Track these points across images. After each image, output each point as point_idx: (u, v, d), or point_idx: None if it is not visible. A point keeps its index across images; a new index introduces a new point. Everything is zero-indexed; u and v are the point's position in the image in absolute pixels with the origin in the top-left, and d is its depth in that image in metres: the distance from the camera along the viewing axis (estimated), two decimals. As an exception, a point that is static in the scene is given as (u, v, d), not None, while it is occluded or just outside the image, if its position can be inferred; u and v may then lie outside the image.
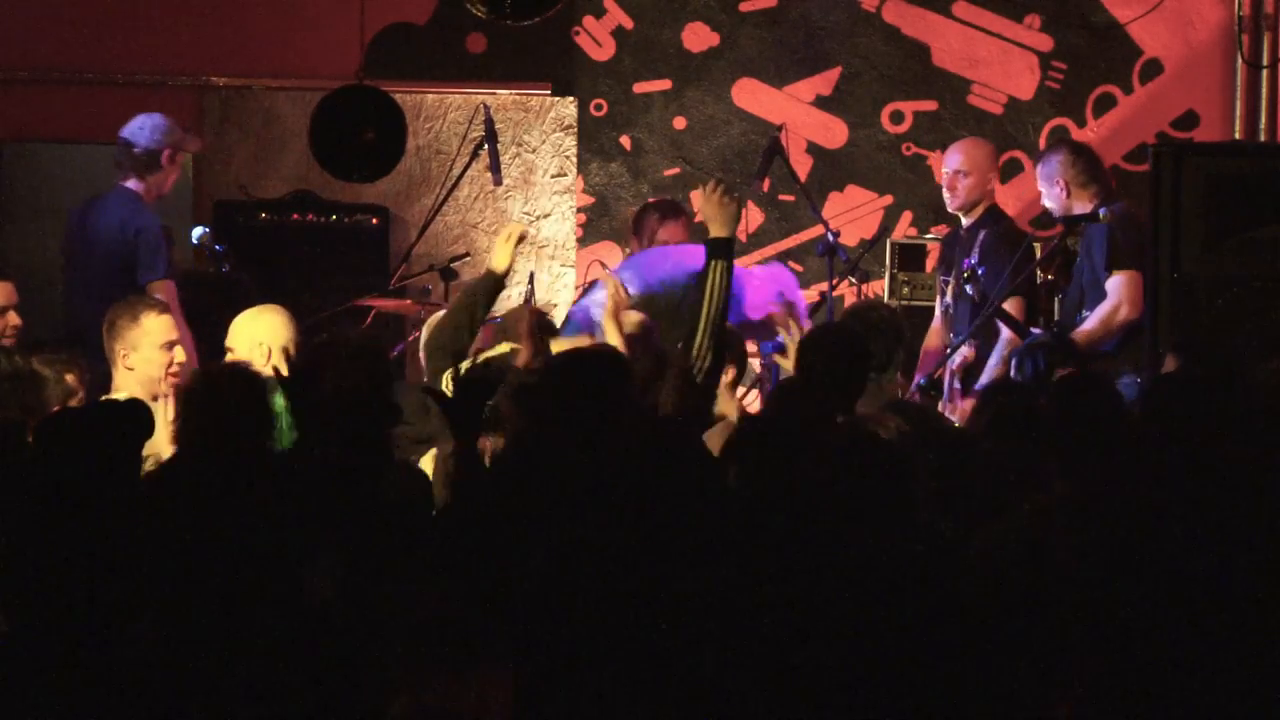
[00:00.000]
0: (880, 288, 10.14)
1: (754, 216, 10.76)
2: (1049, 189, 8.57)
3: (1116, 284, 8.26)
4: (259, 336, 6.96)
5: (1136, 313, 8.16)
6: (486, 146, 9.24)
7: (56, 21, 10.51)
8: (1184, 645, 4.40)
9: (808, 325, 7.84)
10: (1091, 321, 8.28)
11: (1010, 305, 8.43)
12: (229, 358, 7.02)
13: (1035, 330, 8.31)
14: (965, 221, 8.93)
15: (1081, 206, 8.47)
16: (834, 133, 10.76)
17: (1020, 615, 4.38)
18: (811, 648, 4.09)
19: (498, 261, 7.14)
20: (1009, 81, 10.72)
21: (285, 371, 5.92)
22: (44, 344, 7.34)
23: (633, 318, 7.74)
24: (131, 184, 8.62)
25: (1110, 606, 4.45)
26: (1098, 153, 8.80)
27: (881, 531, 4.44)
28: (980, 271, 8.52)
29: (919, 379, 7.77)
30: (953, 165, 8.93)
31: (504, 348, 6.99)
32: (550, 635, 3.96)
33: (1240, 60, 10.44)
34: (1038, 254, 8.91)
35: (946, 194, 8.97)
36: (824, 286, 9.25)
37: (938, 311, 9.11)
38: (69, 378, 6.58)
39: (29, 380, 6.41)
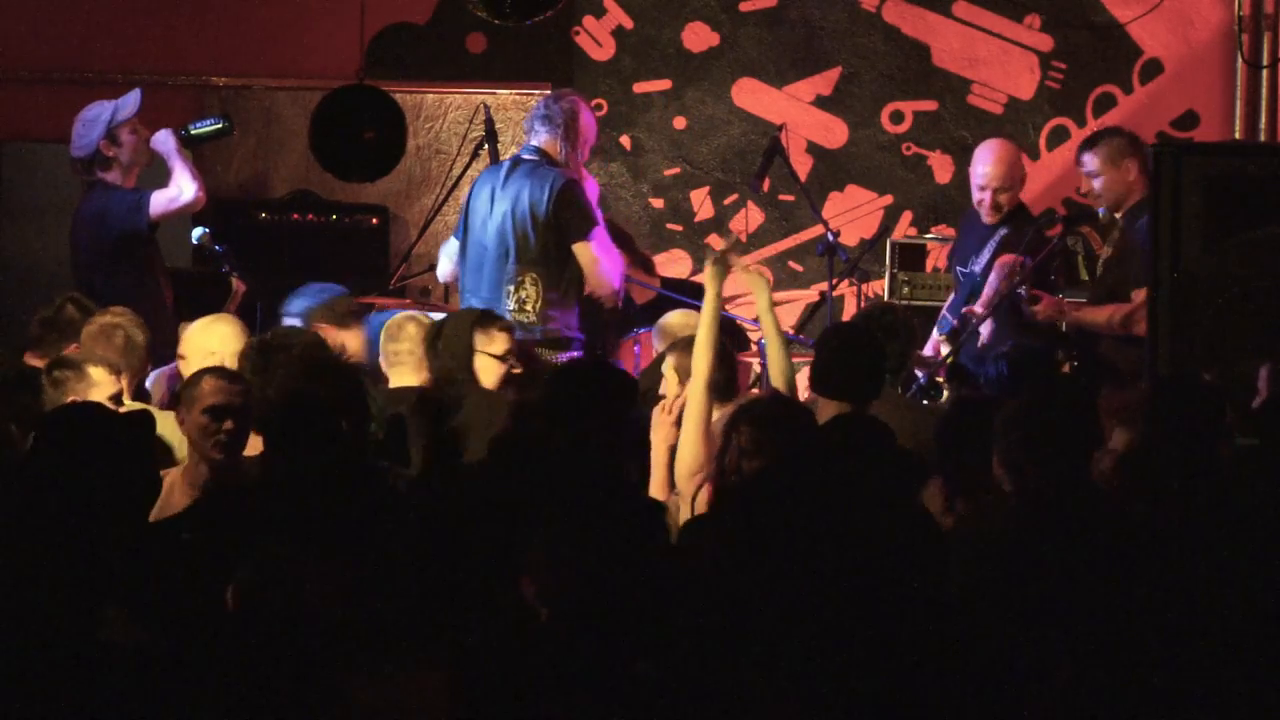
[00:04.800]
0: (880, 288, 10.14)
1: (754, 216, 10.76)
2: (1113, 171, 8.48)
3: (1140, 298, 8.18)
4: (211, 346, 7.01)
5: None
6: (486, 146, 9.24)
7: (56, 21, 10.51)
8: (1173, 646, 4.40)
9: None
10: (1105, 312, 8.28)
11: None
12: (180, 365, 7.07)
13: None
14: (987, 217, 8.86)
15: (1134, 199, 8.43)
16: (834, 133, 10.76)
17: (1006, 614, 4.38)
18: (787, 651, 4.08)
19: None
20: (1009, 81, 10.72)
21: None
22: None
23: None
24: (100, 177, 8.72)
25: (1094, 607, 4.46)
26: None
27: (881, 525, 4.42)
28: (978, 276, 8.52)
29: (920, 379, 7.76)
30: (995, 182, 8.70)
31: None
32: (489, 638, 3.95)
33: (1240, 60, 10.45)
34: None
35: (986, 209, 8.73)
36: (824, 286, 9.26)
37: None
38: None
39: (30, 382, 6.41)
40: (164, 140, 8.81)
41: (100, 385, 6.40)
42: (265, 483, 5.44)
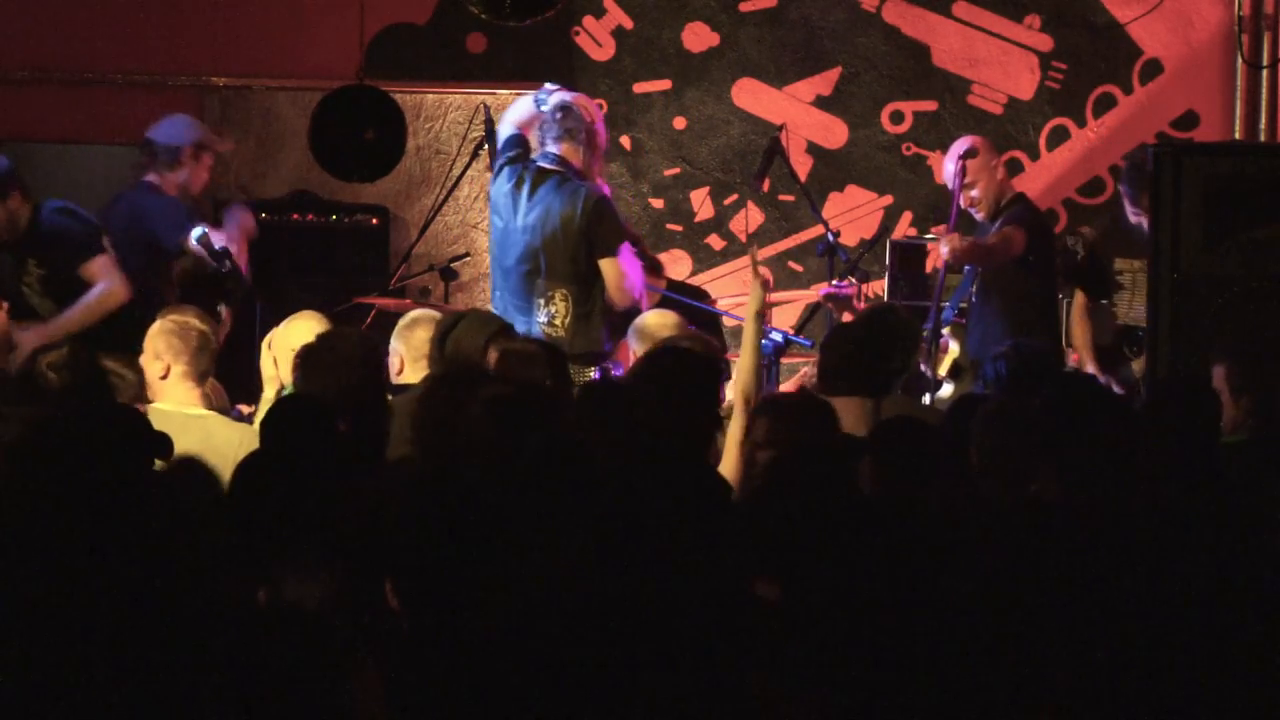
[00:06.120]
0: (880, 288, 10.14)
1: (754, 216, 10.76)
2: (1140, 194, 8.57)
3: None
4: (294, 343, 6.95)
5: None
6: (486, 146, 9.24)
7: (56, 21, 10.51)
8: (1174, 650, 4.39)
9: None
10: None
11: None
12: (263, 361, 7.07)
13: None
14: (977, 216, 8.90)
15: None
16: (834, 133, 10.76)
17: (1006, 615, 4.37)
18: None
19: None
20: (1009, 81, 10.72)
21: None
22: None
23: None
24: (150, 178, 8.72)
25: (1099, 609, 4.45)
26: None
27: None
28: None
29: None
30: (957, 183, 8.79)
31: None
32: (428, 640, 3.94)
33: (1240, 60, 10.45)
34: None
35: (971, 210, 8.90)
36: (824, 287, 9.26)
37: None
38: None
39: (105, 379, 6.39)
40: (226, 238, 8.67)
41: None
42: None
